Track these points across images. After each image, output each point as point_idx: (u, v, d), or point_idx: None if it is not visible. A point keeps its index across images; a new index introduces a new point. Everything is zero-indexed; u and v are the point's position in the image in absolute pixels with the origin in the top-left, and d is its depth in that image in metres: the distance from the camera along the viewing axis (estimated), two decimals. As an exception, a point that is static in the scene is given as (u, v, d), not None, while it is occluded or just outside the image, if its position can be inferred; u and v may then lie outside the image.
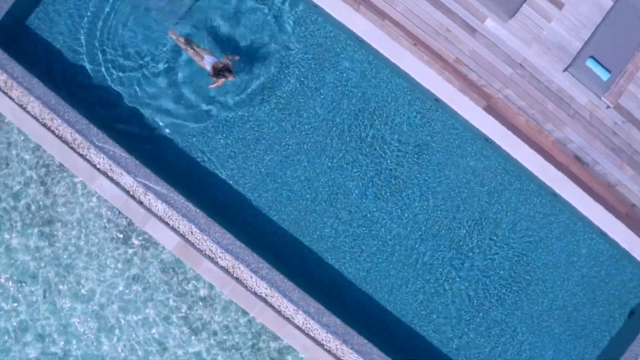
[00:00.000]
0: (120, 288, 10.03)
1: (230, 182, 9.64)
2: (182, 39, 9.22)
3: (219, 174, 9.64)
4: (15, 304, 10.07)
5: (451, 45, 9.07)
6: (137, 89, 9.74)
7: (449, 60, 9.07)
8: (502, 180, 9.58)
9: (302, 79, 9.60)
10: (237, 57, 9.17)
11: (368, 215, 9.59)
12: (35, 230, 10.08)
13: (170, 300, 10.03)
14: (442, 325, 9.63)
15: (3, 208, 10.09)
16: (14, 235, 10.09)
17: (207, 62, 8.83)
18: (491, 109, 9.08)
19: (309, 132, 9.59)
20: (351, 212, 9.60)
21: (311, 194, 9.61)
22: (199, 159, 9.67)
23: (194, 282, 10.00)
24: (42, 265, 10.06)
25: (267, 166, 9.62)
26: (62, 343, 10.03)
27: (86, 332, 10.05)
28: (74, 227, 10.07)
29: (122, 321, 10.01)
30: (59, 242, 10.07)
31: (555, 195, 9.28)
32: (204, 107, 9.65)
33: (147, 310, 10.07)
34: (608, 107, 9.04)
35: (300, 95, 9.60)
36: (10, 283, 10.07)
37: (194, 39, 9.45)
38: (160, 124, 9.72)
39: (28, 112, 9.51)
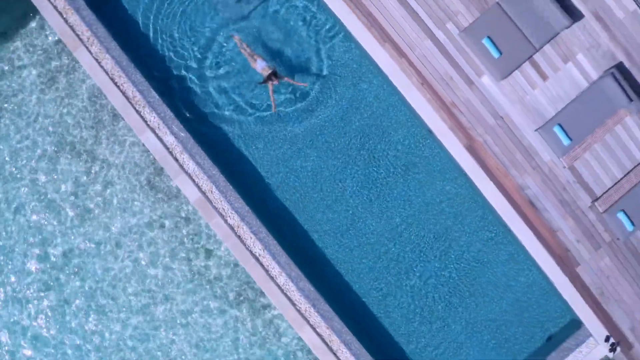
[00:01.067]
0: (140, 225, 12.23)
1: (251, 160, 11.75)
2: (242, 43, 11.40)
3: (244, 152, 11.76)
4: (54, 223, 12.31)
5: (451, 91, 11.15)
6: (194, 70, 11.89)
7: (446, 102, 11.15)
8: (468, 206, 11.67)
9: (327, 90, 11.70)
10: (285, 79, 11.28)
11: (354, 210, 11.70)
12: (82, 162, 12.26)
13: (179, 245, 12.23)
14: (395, 310, 11.75)
15: (57, 140, 12.26)
16: (63, 161, 12.26)
17: (259, 65, 10.97)
18: (471, 148, 11.16)
19: (321, 132, 11.69)
20: (342, 205, 11.71)
21: (313, 183, 11.72)
22: (230, 135, 11.79)
23: (205, 234, 12.18)
24: (80, 193, 12.25)
25: (283, 153, 11.72)
26: (77, 261, 12.25)
27: (103, 252, 12.23)
28: (114, 167, 12.23)
29: (134, 249, 12.18)
30: (99, 177, 12.23)
31: (507, 228, 11.36)
32: (247, 101, 11.84)
33: (155, 246, 12.27)
34: (564, 167, 11.10)
35: (320, 102, 11.69)
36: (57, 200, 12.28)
37: (251, 45, 11.56)
38: (209, 105, 11.86)
39: (102, 67, 11.62)
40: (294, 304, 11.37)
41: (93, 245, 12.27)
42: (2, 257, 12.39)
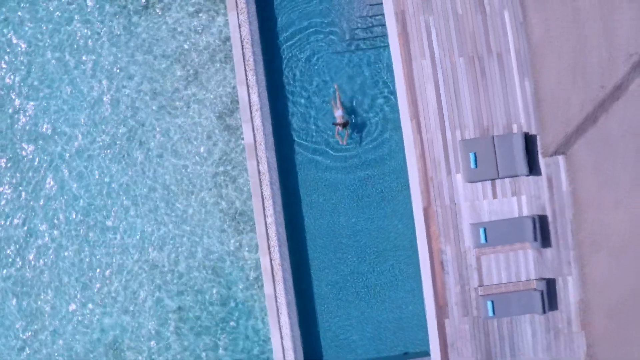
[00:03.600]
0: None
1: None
2: (337, 91, 16.85)
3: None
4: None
5: (435, 169, 16.36)
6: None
7: (427, 174, 16.37)
8: (407, 244, 16.94)
9: (376, 138, 17.14)
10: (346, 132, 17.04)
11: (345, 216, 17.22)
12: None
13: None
14: (338, 287, 17.20)
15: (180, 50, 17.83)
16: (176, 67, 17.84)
17: (339, 113, 16.43)
18: (426, 210, 16.35)
19: (344, 160, 17.11)
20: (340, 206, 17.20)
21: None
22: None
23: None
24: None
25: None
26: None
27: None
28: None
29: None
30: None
31: (419, 269, 16.58)
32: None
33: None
34: (474, 255, 16.26)
35: (363, 144, 17.10)
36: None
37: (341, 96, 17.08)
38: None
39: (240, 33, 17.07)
40: (269, 239, 16.80)
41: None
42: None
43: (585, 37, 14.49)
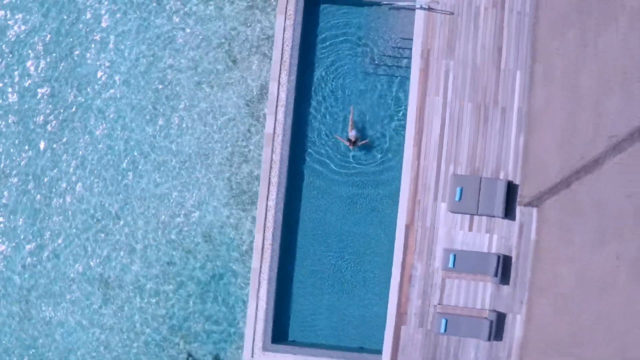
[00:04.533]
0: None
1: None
2: (352, 113, 18.98)
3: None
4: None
5: (424, 192, 18.43)
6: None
7: (417, 196, 18.45)
8: (383, 252, 19.05)
9: (380, 158, 19.27)
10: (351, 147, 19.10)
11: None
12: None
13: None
14: (316, 276, 19.39)
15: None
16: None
17: (352, 132, 18.60)
18: (408, 227, 18.44)
19: (348, 168, 19.26)
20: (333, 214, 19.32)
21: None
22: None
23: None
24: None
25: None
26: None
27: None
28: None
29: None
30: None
31: (389, 279, 18.68)
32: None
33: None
34: (440, 276, 18.37)
35: (368, 160, 19.24)
36: None
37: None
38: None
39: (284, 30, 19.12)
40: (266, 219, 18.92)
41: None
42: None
43: (578, 113, 16.55)
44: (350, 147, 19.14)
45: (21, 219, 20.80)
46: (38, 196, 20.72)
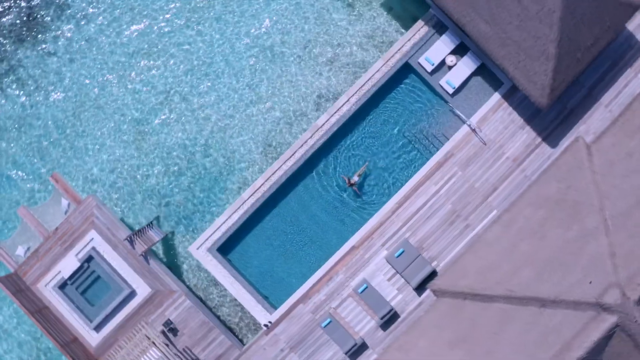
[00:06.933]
0: None
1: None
2: (365, 166, 24.79)
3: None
4: None
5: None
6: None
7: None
8: (325, 250, 24.73)
9: (369, 200, 24.90)
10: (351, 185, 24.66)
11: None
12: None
13: None
14: (277, 233, 25.10)
15: None
16: None
17: (354, 178, 24.46)
18: (352, 249, 24.08)
19: (343, 190, 24.94)
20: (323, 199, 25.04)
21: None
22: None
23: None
24: None
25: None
26: None
27: None
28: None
29: None
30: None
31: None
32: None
33: None
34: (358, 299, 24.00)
35: (359, 195, 24.91)
36: None
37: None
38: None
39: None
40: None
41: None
42: None
43: (506, 260, 22.18)
44: (347, 186, 24.77)
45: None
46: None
